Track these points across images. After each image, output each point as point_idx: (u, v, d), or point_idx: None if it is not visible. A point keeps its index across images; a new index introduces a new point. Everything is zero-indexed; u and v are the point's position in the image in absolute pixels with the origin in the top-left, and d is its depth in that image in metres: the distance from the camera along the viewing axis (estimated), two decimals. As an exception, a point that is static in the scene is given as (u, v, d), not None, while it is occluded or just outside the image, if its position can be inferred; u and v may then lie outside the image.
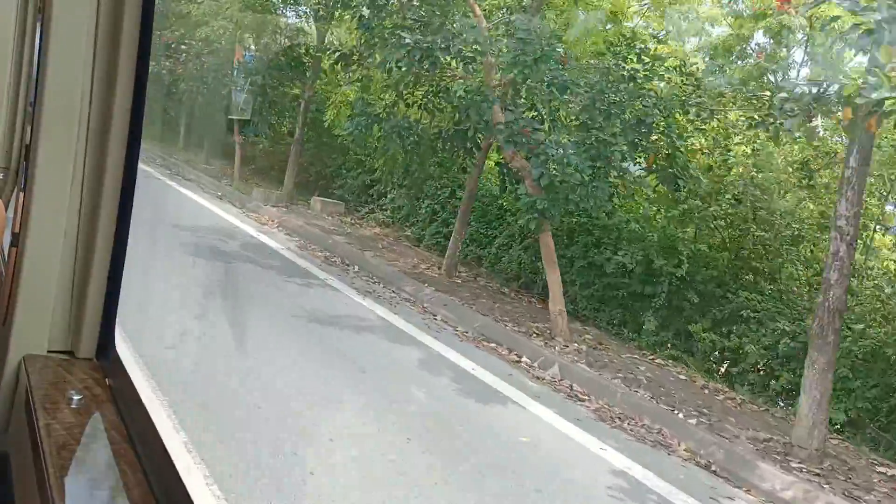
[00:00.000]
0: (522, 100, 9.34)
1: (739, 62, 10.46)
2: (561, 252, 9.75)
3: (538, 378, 7.12)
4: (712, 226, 9.60)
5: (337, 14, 12.03)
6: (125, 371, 1.44)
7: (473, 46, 8.63)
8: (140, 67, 1.44)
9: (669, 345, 9.00)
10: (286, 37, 17.49)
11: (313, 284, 8.91)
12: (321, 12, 13.96)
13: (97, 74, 1.41)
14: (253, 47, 18.34)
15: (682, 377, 8.06)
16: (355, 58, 10.78)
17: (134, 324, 5.25)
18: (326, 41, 14.80)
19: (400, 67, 8.30)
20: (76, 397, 1.31)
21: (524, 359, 7.61)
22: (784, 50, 9.84)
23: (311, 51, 14.84)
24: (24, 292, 1.40)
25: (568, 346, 8.13)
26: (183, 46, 18.11)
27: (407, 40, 8.05)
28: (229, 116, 17.09)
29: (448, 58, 8.56)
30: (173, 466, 1.15)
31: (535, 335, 8.35)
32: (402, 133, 9.28)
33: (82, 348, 1.48)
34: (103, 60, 1.41)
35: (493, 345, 7.95)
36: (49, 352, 1.46)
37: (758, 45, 10.40)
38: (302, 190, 15.87)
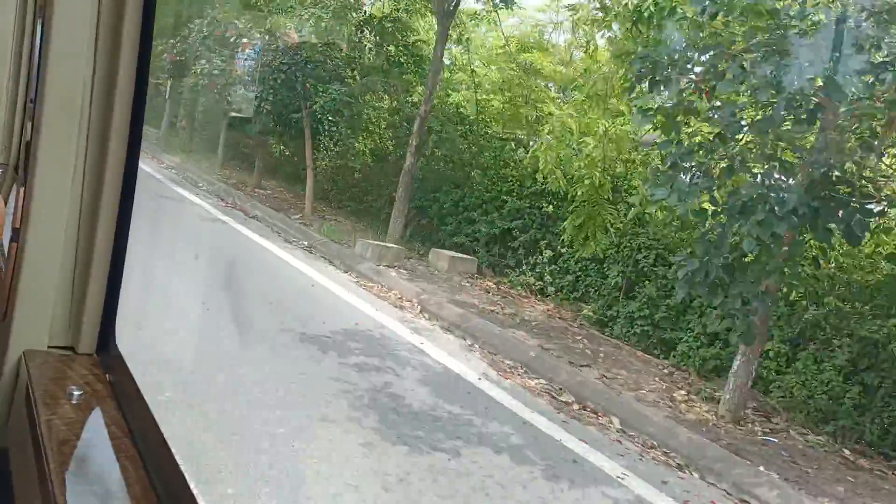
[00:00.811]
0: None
1: None
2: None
3: None
4: None
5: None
6: (126, 367, 1.42)
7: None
8: (141, 63, 1.42)
9: None
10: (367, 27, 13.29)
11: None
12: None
13: (98, 69, 1.40)
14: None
15: None
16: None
17: None
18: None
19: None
20: (77, 393, 1.30)
21: None
22: None
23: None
24: (25, 287, 1.41)
25: None
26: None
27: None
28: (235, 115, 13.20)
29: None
30: (175, 462, 1.13)
31: None
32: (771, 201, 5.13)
33: (82, 344, 1.48)
34: (104, 55, 1.40)
35: None
36: (49, 347, 1.46)
37: None
38: (405, 232, 11.77)
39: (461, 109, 12.58)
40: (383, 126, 13.84)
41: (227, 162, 17.91)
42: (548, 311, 9.34)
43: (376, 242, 10.19)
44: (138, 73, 1.44)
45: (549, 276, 9.97)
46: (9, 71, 2.59)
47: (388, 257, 10.00)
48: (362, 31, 12.82)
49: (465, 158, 12.02)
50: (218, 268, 8.45)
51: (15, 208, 1.57)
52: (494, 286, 10.10)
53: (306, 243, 10.74)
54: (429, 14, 12.85)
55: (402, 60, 12.78)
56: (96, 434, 1.27)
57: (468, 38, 12.47)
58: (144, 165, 16.98)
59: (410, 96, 13.03)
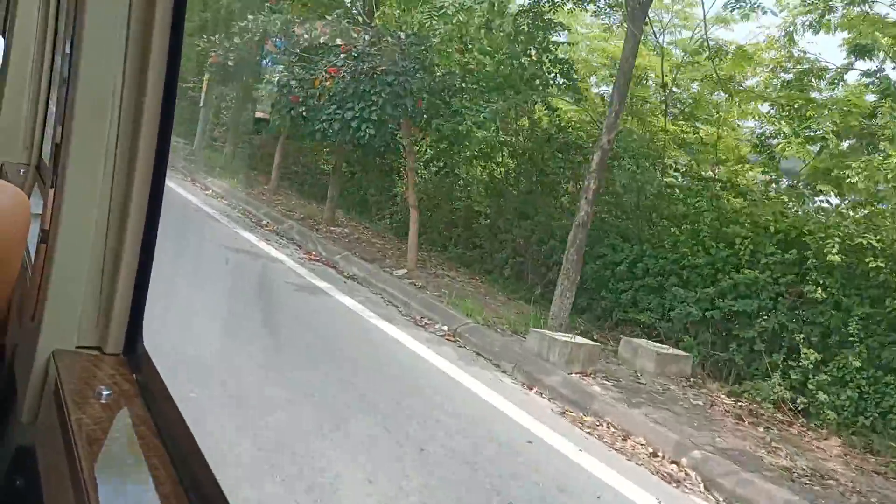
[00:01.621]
0: None
1: None
2: None
3: None
4: None
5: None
6: (153, 366, 1.43)
7: None
8: (171, 65, 1.41)
9: None
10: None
11: None
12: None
13: (128, 73, 1.40)
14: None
15: None
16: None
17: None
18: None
19: None
20: (105, 392, 1.31)
21: None
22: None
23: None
24: (54, 288, 1.43)
25: None
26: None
27: None
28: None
29: None
30: (204, 461, 1.15)
31: None
32: None
33: (110, 344, 1.48)
34: (135, 59, 1.40)
35: None
36: (77, 347, 1.46)
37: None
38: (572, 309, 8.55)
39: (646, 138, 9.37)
40: (505, 154, 10.64)
41: (280, 184, 14.75)
42: (843, 454, 6.17)
43: (562, 338, 6.98)
44: (168, 77, 1.41)
45: (817, 390, 6.77)
46: (30, 73, 2.67)
47: (581, 358, 6.83)
48: (489, 30, 9.61)
49: (645, 203, 8.85)
50: (375, 413, 5.27)
51: (44, 209, 1.56)
52: (731, 403, 6.92)
53: (446, 328, 7.55)
54: (580, 9, 9.67)
55: (548, 69, 9.58)
56: (125, 433, 1.29)
57: (662, 43, 9.27)
58: (186, 192, 13.03)
59: (558, 117, 9.85)
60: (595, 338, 8.17)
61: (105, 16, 1.38)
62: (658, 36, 9.40)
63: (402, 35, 9.70)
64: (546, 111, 9.79)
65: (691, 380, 7.31)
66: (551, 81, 9.61)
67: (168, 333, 4.62)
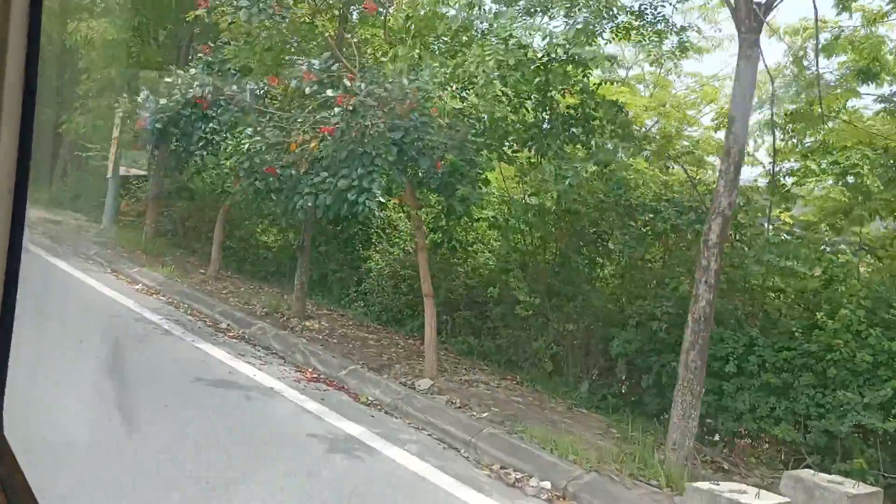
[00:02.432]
0: None
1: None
2: None
3: None
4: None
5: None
6: (13, 458, 1.35)
7: None
8: (24, 128, 1.28)
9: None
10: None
11: None
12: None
13: None
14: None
15: None
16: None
17: None
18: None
19: None
20: None
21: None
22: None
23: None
24: None
25: None
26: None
27: None
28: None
29: None
30: None
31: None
32: None
33: None
34: None
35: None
36: None
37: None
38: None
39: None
40: (531, 220, 8.57)
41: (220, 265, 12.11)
42: None
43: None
44: (23, 121, 1.28)
45: None
46: None
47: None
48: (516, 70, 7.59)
49: (752, 279, 6.94)
50: None
51: None
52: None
53: (548, 485, 5.31)
54: (623, 38, 7.80)
55: (589, 114, 7.62)
56: None
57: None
58: (112, 290, 9.72)
59: (609, 169, 7.86)
60: (725, 467, 6.14)
61: None
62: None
63: (406, 81, 7.54)
64: (597, 165, 7.79)
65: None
66: (600, 130, 7.65)
67: None
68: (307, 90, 7.36)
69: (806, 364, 6.42)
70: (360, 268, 11.69)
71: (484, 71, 6.14)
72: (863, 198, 7.38)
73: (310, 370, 7.51)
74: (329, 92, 7.28)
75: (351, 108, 7.20)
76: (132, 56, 13.70)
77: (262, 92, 9.28)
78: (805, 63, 9.37)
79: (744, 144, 6.05)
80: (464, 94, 7.65)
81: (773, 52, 31.99)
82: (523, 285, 7.65)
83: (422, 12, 7.17)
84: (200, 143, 10.51)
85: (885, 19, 8.89)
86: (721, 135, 8.41)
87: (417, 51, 7.04)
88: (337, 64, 7.54)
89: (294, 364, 7.68)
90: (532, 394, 7.83)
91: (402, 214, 11.63)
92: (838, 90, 9.00)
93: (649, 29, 7.30)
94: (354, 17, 10.38)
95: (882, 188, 7.06)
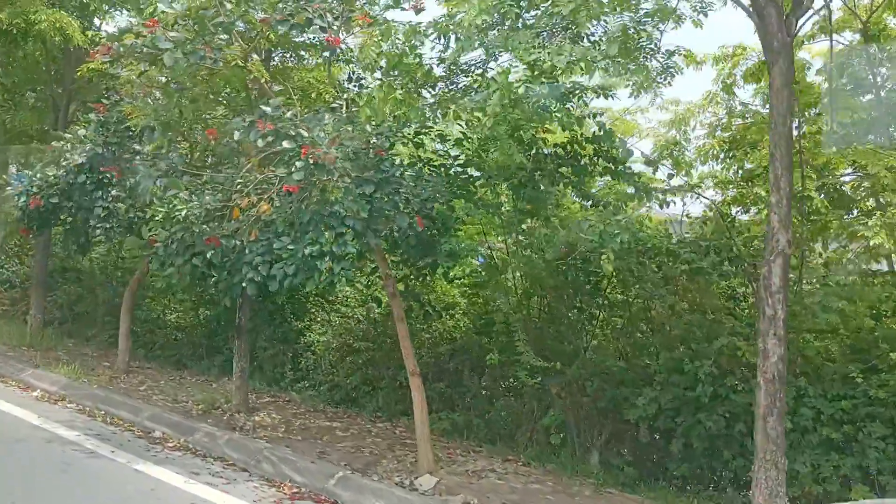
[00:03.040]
0: None
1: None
2: None
3: None
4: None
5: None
6: None
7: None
8: None
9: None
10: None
11: None
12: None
13: None
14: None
15: None
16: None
17: None
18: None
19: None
20: None
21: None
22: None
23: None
24: None
25: None
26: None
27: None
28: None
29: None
30: None
31: None
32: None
33: None
34: None
35: None
36: None
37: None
38: None
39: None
40: (518, 275, 7.60)
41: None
42: None
43: None
44: None
45: None
46: None
47: None
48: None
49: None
50: None
51: None
52: None
53: None
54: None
55: (576, 151, 6.78)
56: None
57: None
58: (4, 401, 8.11)
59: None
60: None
61: None
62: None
63: (369, 128, 6.44)
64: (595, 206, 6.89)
65: None
66: (591, 168, 6.81)
67: None
68: (259, 143, 6.09)
69: (871, 413, 5.71)
70: (296, 342, 10.29)
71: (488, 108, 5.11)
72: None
73: (287, 483, 6.10)
74: (286, 143, 6.06)
75: (315, 162, 6.00)
76: (4, 123, 11.81)
77: (184, 151, 7.89)
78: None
79: (791, 172, 5.32)
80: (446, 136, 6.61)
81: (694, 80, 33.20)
82: (528, 348, 6.59)
83: (385, 47, 6.09)
84: (104, 215, 8.90)
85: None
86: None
87: (400, 91, 5.94)
88: (292, 111, 6.32)
89: (264, 477, 6.25)
90: (546, 475, 6.76)
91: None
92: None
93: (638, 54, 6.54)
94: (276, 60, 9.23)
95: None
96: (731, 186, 8.99)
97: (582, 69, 5.18)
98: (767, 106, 8.75)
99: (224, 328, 10.86)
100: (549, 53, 4.78)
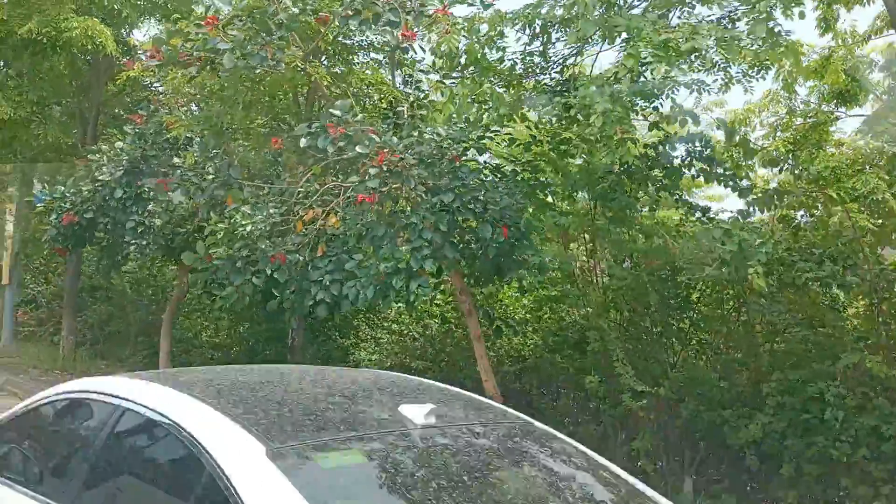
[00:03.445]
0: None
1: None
2: None
3: None
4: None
5: None
6: None
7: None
8: None
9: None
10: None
11: None
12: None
13: None
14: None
15: None
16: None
17: None
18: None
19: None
20: None
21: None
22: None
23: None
24: None
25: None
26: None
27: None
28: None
29: None
30: None
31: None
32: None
33: None
34: None
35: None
36: None
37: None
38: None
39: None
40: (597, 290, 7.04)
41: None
42: None
43: None
44: None
45: None
46: None
47: None
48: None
49: None
50: None
51: None
52: None
53: None
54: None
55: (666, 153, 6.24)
56: None
57: None
58: None
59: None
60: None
61: None
62: None
63: (442, 131, 5.91)
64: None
65: None
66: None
67: None
68: (329, 149, 5.56)
69: None
70: (343, 361, 9.75)
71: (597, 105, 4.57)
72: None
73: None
74: (358, 149, 5.53)
75: (390, 169, 5.48)
76: (36, 137, 11.34)
77: (234, 162, 7.38)
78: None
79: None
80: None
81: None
82: (628, 368, 6.01)
83: (464, 43, 5.57)
84: (139, 231, 8.37)
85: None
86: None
87: (487, 85, 5.40)
88: (360, 114, 5.80)
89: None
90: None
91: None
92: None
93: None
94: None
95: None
96: (798, 186, 8.46)
97: (723, 50, 4.63)
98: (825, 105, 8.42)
99: (265, 346, 10.34)
100: (682, 33, 4.25)
